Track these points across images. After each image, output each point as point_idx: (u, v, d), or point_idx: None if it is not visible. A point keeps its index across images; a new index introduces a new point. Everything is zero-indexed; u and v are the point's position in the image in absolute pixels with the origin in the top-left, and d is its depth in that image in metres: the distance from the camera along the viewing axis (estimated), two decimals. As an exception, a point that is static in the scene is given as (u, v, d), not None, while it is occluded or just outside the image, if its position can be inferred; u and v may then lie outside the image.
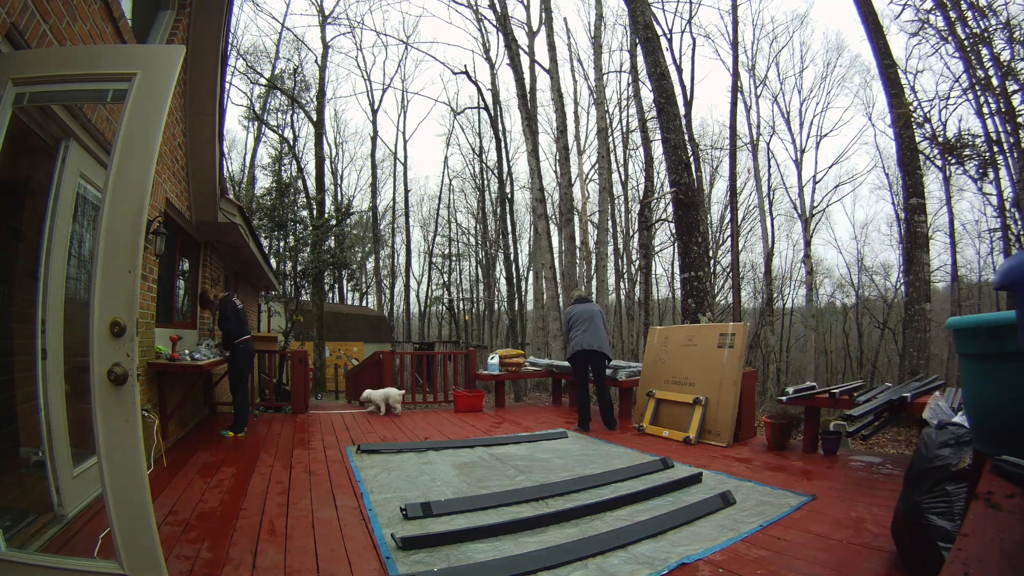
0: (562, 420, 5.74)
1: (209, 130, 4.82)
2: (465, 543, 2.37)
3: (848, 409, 3.60)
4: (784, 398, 4.10)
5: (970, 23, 8.46)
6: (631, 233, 19.55)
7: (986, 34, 8.11)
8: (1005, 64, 8.08)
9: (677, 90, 10.35)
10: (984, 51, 8.52)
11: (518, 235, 21.43)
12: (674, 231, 12.72)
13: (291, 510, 2.83)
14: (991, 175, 10.33)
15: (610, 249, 17.97)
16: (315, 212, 17.84)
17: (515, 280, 20.27)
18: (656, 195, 16.06)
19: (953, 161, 9.65)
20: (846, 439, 4.81)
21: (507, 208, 20.20)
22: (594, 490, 3.17)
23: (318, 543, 2.39)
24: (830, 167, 32.37)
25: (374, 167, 22.34)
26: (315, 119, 18.42)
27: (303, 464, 3.82)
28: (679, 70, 16.85)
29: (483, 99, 18.89)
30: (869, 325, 20.55)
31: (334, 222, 18.28)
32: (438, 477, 3.43)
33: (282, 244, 18.16)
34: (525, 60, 14.51)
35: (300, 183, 18.80)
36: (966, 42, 8.55)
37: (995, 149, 9.97)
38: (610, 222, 17.16)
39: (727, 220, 19.20)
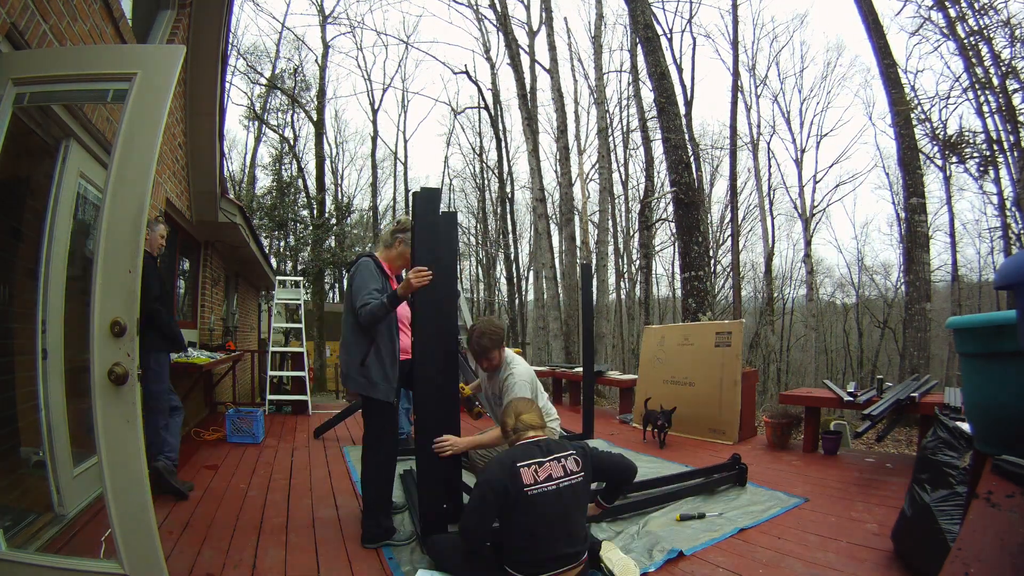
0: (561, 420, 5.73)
1: (209, 130, 4.83)
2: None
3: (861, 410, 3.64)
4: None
5: (970, 21, 8.45)
6: (631, 233, 19.50)
7: (987, 32, 8.11)
8: (1005, 62, 8.08)
9: (677, 90, 10.32)
10: (984, 49, 8.51)
11: (518, 235, 21.40)
12: (674, 231, 12.71)
13: (291, 510, 2.84)
14: (991, 174, 10.33)
15: (610, 249, 17.88)
16: (315, 212, 17.83)
17: (515, 280, 20.25)
18: (656, 195, 16.03)
19: (954, 159, 9.66)
20: (847, 439, 4.82)
21: (507, 208, 20.18)
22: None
23: (319, 543, 2.39)
24: (830, 167, 32.34)
25: (374, 167, 22.31)
26: (315, 119, 18.40)
27: (304, 464, 3.82)
28: (679, 70, 16.82)
29: (483, 99, 18.85)
30: (869, 325, 20.53)
31: (334, 221, 18.28)
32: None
33: (282, 244, 18.16)
34: (525, 60, 14.49)
35: (300, 183, 18.78)
36: (966, 40, 8.54)
37: (995, 148, 9.96)
38: (610, 222, 17.11)
39: (727, 220, 19.15)
